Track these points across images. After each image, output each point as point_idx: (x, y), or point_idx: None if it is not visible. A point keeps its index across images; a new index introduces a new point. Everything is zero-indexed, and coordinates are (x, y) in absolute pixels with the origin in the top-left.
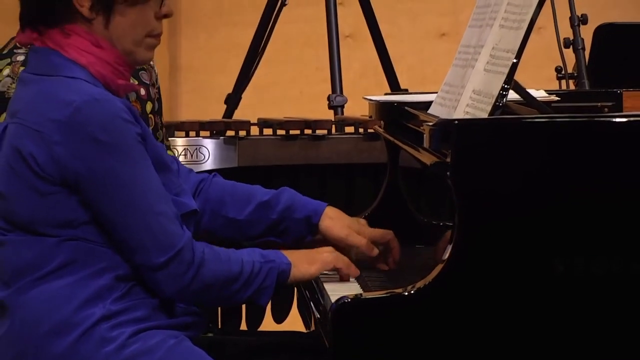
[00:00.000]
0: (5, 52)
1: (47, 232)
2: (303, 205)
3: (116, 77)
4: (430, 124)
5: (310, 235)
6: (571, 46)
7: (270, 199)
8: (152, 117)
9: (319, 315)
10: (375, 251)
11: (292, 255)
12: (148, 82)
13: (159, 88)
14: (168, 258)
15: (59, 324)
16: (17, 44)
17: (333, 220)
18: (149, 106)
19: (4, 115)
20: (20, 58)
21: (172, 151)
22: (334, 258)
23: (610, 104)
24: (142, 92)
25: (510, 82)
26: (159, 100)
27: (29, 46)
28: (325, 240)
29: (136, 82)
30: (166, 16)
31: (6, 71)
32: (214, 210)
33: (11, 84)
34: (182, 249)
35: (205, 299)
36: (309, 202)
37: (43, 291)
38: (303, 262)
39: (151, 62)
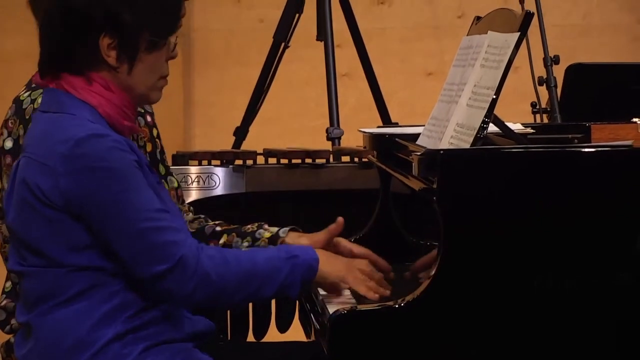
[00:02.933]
0: (34, 85)
1: (58, 261)
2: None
3: (122, 119)
4: (419, 153)
5: None
6: (544, 84)
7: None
8: (158, 141)
9: (318, 326)
10: None
11: (322, 253)
12: (151, 111)
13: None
14: (168, 267)
15: (75, 344)
16: (34, 82)
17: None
18: (154, 131)
19: None
20: None
21: (174, 177)
22: (353, 279)
23: (579, 135)
24: (149, 118)
25: (490, 116)
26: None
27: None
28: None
29: (146, 117)
30: (172, 58)
31: (40, 99)
32: None
33: None
34: (183, 257)
35: (223, 301)
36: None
37: (61, 314)
38: (330, 263)
39: None
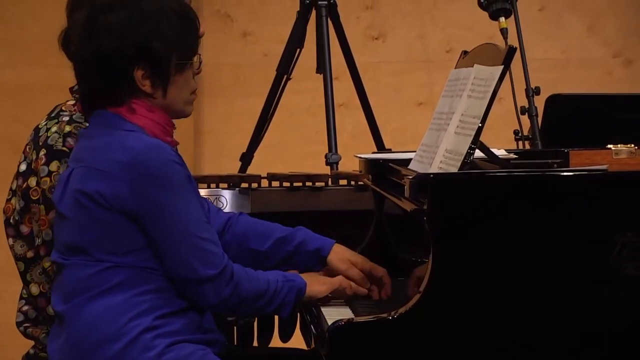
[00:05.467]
0: (53, 114)
1: (102, 259)
2: (314, 240)
3: (165, 135)
4: (410, 177)
5: (318, 266)
6: (526, 113)
7: (287, 235)
8: None
9: (318, 336)
10: (367, 285)
11: (308, 277)
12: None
13: None
14: (215, 273)
15: (110, 334)
16: (63, 107)
17: (337, 254)
18: None
19: (54, 162)
20: (65, 118)
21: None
22: (340, 279)
23: (558, 160)
24: None
25: (477, 142)
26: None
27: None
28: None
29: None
30: (197, 74)
31: (54, 128)
32: (240, 243)
33: (58, 139)
34: (225, 267)
35: (240, 310)
36: (320, 238)
37: (96, 307)
38: (316, 283)
39: None
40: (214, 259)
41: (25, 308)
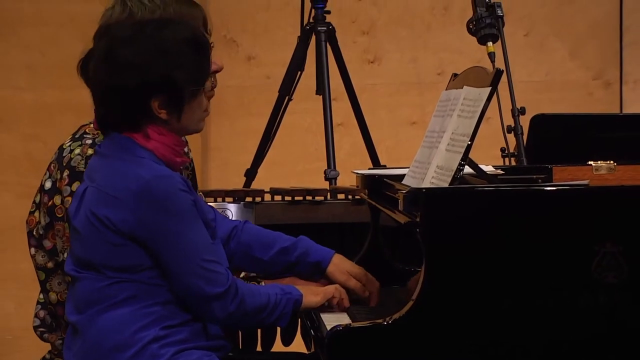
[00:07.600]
0: (77, 136)
1: (111, 275)
2: (315, 252)
3: (175, 156)
4: (404, 191)
5: (319, 276)
6: (512, 132)
7: (290, 245)
8: None
9: (317, 340)
10: (366, 293)
11: (303, 288)
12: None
13: (192, 169)
14: (222, 291)
15: (120, 343)
16: (87, 130)
17: (336, 266)
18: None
19: (76, 184)
20: (89, 141)
21: None
22: (333, 289)
23: (543, 176)
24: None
25: (466, 159)
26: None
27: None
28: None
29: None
30: (211, 97)
31: (77, 150)
32: (244, 251)
33: (80, 161)
34: (231, 284)
35: (244, 323)
36: (321, 250)
37: (108, 318)
38: (311, 294)
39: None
40: (220, 278)
41: (42, 314)
